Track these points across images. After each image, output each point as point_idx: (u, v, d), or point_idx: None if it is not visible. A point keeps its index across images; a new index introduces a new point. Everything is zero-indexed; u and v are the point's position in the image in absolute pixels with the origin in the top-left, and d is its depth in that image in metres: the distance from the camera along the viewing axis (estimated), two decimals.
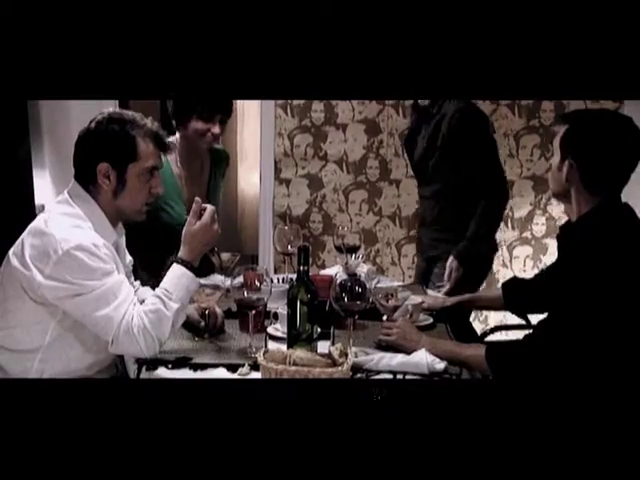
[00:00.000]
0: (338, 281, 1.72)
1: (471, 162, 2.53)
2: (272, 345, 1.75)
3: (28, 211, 3.14)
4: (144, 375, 1.62)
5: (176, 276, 1.68)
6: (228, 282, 1.83)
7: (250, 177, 5.08)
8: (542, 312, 1.83)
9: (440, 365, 1.63)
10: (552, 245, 3.80)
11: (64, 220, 1.66)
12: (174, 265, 1.70)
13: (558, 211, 3.77)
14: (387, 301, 1.86)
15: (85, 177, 1.72)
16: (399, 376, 1.61)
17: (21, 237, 1.68)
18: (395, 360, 1.64)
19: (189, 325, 1.87)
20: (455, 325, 2.05)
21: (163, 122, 1.92)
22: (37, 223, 1.68)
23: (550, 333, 1.60)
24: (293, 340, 1.65)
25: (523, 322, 2.40)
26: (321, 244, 3.78)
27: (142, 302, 1.66)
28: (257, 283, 1.73)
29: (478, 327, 3.23)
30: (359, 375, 1.61)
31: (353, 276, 1.79)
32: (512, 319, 2.48)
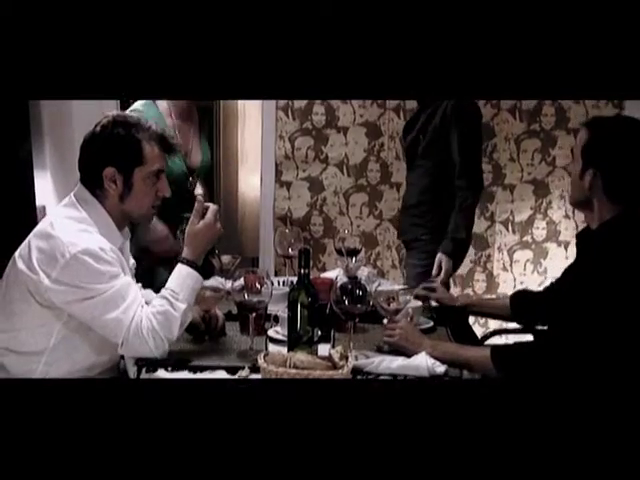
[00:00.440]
0: (339, 284, 1.72)
1: (455, 149, 2.67)
2: (272, 348, 1.75)
3: (29, 212, 3.14)
4: (144, 377, 1.62)
5: (182, 276, 1.69)
6: (229, 285, 1.83)
7: (251, 179, 5.08)
8: (548, 325, 1.84)
9: (440, 368, 1.63)
10: (553, 249, 3.80)
11: (71, 224, 1.67)
12: (179, 265, 1.71)
13: (559, 215, 3.78)
14: (388, 304, 1.86)
15: (91, 181, 1.72)
16: (399, 379, 1.61)
17: (27, 240, 1.68)
18: (395, 363, 1.64)
19: (190, 327, 1.86)
20: (455, 328, 2.05)
21: None
22: (44, 226, 1.68)
23: (561, 337, 1.59)
24: (293, 343, 1.65)
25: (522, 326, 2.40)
26: (322, 247, 3.78)
27: (148, 304, 1.67)
28: (258, 286, 1.73)
29: (478, 330, 3.23)
30: (359, 378, 1.60)
31: (354, 279, 1.79)
32: (512, 323, 2.48)
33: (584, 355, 1.53)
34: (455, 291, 3.84)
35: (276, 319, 1.88)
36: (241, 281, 1.76)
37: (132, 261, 1.92)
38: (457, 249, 2.72)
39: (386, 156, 3.72)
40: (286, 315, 1.70)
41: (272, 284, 1.77)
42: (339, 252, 2.42)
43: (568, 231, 3.78)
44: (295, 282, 1.69)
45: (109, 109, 2.10)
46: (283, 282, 2.33)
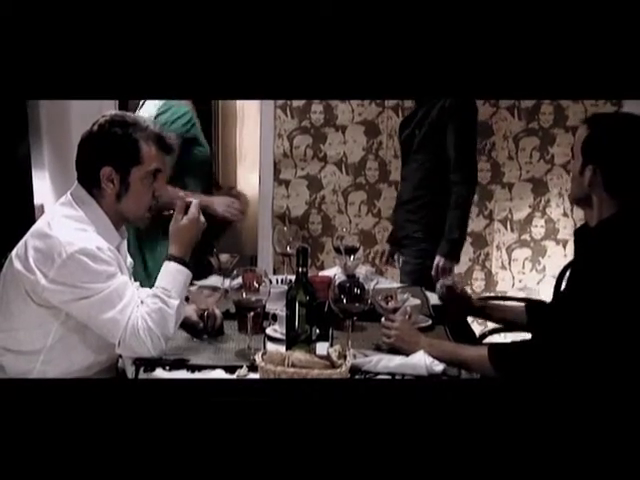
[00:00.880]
0: (337, 282, 1.72)
1: (451, 144, 2.70)
2: (271, 346, 1.75)
3: (27, 212, 3.14)
4: (142, 376, 1.61)
5: (172, 274, 1.70)
6: (227, 283, 1.83)
7: (249, 178, 5.07)
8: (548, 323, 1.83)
9: (439, 367, 1.63)
10: (551, 247, 3.81)
11: (68, 223, 1.66)
12: (167, 263, 1.72)
13: (557, 213, 3.78)
14: (386, 302, 1.86)
15: (88, 180, 1.72)
16: (398, 377, 1.61)
17: (24, 239, 1.67)
18: (394, 362, 1.64)
19: (188, 326, 1.87)
20: (454, 327, 2.05)
21: None
22: (40, 225, 1.67)
23: (559, 336, 1.58)
24: (292, 341, 1.65)
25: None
26: (320, 245, 3.78)
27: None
28: (256, 284, 1.73)
29: (476, 329, 3.23)
30: (357, 377, 1.61)
31: (352, 277, 1.78)
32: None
33: (582, 353, 1.53)
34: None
35: (274, 318, 1.88)
36: (239, 280, 1.76)
37: (129, 260, 1.92)
38: (454, 249, 2.75)
39: (385, 154, 3.72)
40: (284, 314, 1.70)
41: (270, 282, 1.77)
42: (337, 250, 2.42)
43: (566, 229, 3.78)
44: (293, 280, 1.69)
45: (108, 108, 2.10)
46: (282, 280, 2.33)
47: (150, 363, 1.64)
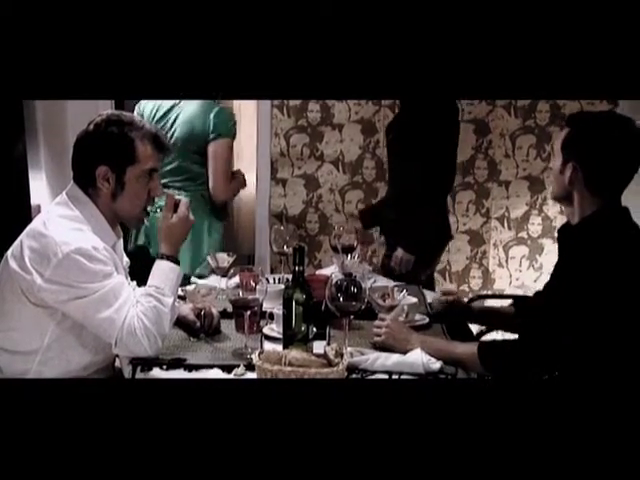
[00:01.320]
0: (334, 281, 1.72)
1: (431, 149, 2.71)
2: (268, 345, 1.75)
3: (24, 212, 3.14)
4: (139, 376, 1.62)
5: (164, 272, 1.70)
6: (224, 282, 1.83)
7: (246, 177, 5.07)
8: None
9: (436, 365, 1.63)
10: (548, 245, 3.81)
11: (64, 223, 1.66)
12: (158, 261, 1.73)
13: (554, 211, 3.78)
14: (383, 301, 1.86)
15: (84, 180, 1.72)
16: (395, 376, 1.61)
17: (19, 239, 1.67)
18: (390, 360, 1.64)
19: (185, 325, 1.87)
20: (451, 325, 2.05)
21: None
22: (36, 225, 1.67)
23: (546, 332, 1.60)
24: (289, 340, 1.65)
25: None
26: (317, 244, 3.78)
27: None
28: (252, 283, 1.73)
29: (474, 327, 3.23)
30: (354, 375, 1.61)
31: (349, 276, 1.79)
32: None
33: (569, 351, 1.54)
34: (451, 287, 3.85)
35: (271, 317, 1.88)
36: (236, 279, 1.76)
37: (126, 259, 1.92)
38: (411, 244, 2.75)
39: (381, 153, 3.71)
40: (281, 313, 1.70)
41: (267, 281, 1.77)
42: (334, 249, 2.42)
43: None
44: (290, 279, 1.69)
45: (104, 109, 2.09)
46: (279, 279, 2.33)
47: (147, 363, 1.64)
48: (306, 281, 1.68)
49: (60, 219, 1.67)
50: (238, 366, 1.62)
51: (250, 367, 1.59)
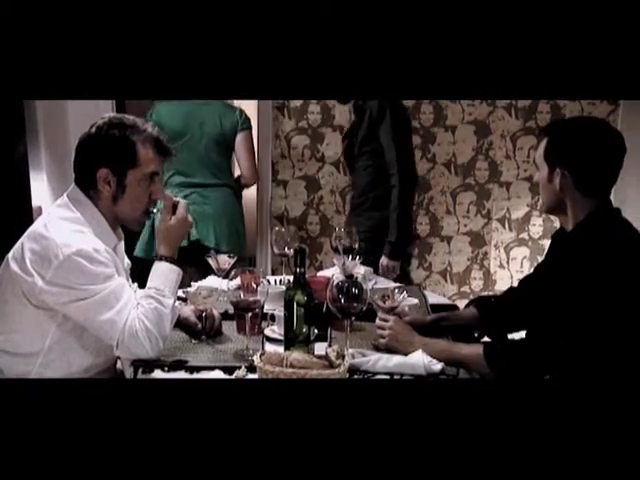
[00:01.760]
0: (335, 282, 1.72)
1: (385, 147, 2.83)
2: (269, 347, 1.75)
3: (25, 213, 3.14)
4: (140, 378, 1.61)
5: (163, 273, 1.71)
6: (225, 284, 1.83)
7: None
8: (518, 330, 1.88)
9: (437, 366, 1.63)
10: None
11: (65, 225, 1.66)
12: (157, 263, 1.73)
13: None
14: (384, 302, 1.86)
15: (85, 182, 1.72)
16: (396, 377, 1.61)
17: (20, 241, 1.67)
18: (392, 361, 1.64)
19: (186, 327, 1.87)
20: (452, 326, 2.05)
21: None
22: (37, 227, 1.67)
23: (553, 333, 1.60)
24: (290, 342, 1.65)
25: None
26: (318, 246, 3.78)
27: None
28: (254, 285, 1.73)
29: None
30: (356, 377, 1.61)
31: (350, 277, 1.78)
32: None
33: (576, 351, 1.54)
34: (452, 289, 3.85)
35: (272, 318, 1.88)
36: (237, 280, 1.76)
37: (127, 261, 1.92)
38: (394, 250, 2.86)
39: None
40: (282, 314, 1.70)
41: (268, 283, 1.77)
42: (335, 250, 2.42)
43: None
44: (291, 281, 1.69)
45: (105, 110, 2.10)
46: (280, 281, 2.33)
47: (148, 364, 1.64)
48: (307, 283, 1.68)
49: (61, 221, 1.67)
50: (239, 368, 1.62)
51: (251, 369, 1.59)
